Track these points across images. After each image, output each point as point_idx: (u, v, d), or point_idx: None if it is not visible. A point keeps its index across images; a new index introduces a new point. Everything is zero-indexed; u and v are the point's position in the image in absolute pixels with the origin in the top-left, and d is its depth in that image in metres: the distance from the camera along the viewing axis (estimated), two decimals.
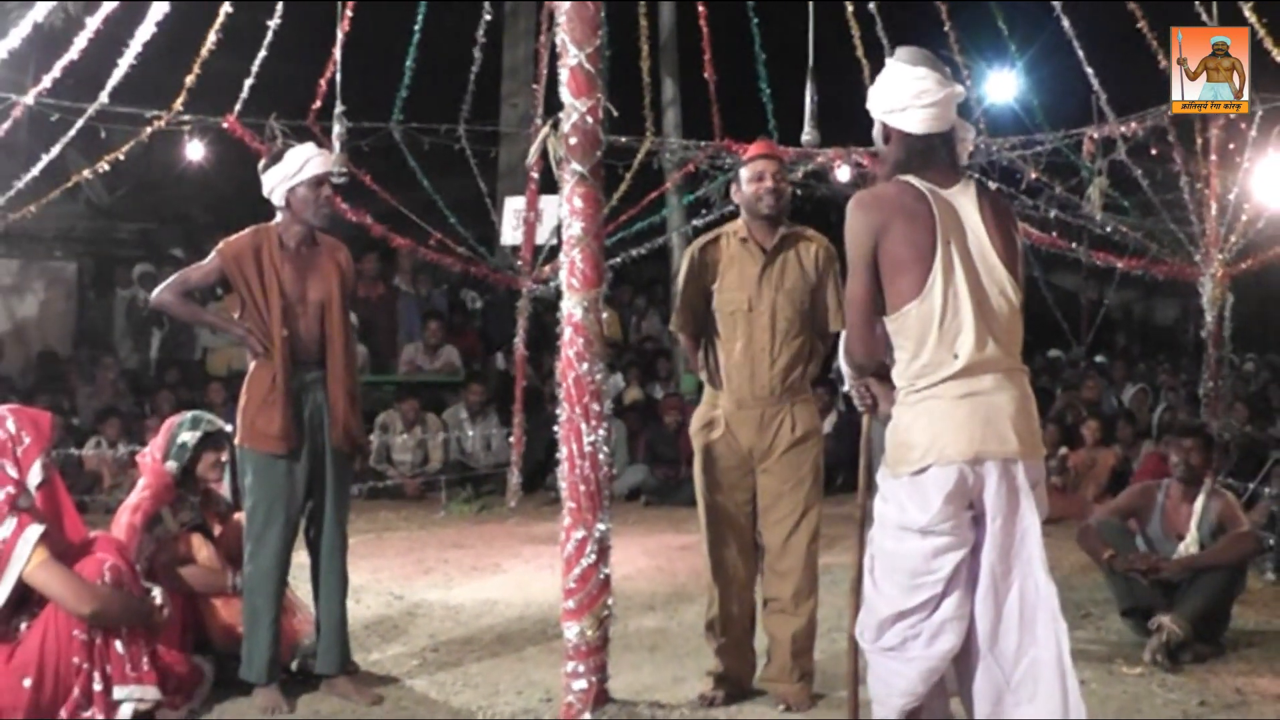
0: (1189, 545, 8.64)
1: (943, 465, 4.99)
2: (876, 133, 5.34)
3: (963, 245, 5.06)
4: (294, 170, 7.20)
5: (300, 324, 7.24)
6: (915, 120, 5.15)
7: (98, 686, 6.53)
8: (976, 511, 5.08)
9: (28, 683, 6.51)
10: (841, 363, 5.49)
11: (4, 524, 6.51)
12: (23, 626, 6.65)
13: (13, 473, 6.67)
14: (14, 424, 6.79)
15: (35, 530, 6.55)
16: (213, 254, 7.30)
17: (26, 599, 6.67)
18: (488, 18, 14.35)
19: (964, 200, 5.14)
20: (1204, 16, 11.35)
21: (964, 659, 5.19)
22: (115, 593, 6.68)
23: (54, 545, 6.66)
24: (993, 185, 12.21)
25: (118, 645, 6.60)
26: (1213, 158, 12.75)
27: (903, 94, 5.15)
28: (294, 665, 7.58)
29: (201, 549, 7.65)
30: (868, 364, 5.26)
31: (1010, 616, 5.07)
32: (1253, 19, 10.27)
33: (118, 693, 6.55)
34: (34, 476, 6.73)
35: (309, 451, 7.23)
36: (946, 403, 5.02)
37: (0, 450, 6.70)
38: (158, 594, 7.01)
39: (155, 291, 7.51)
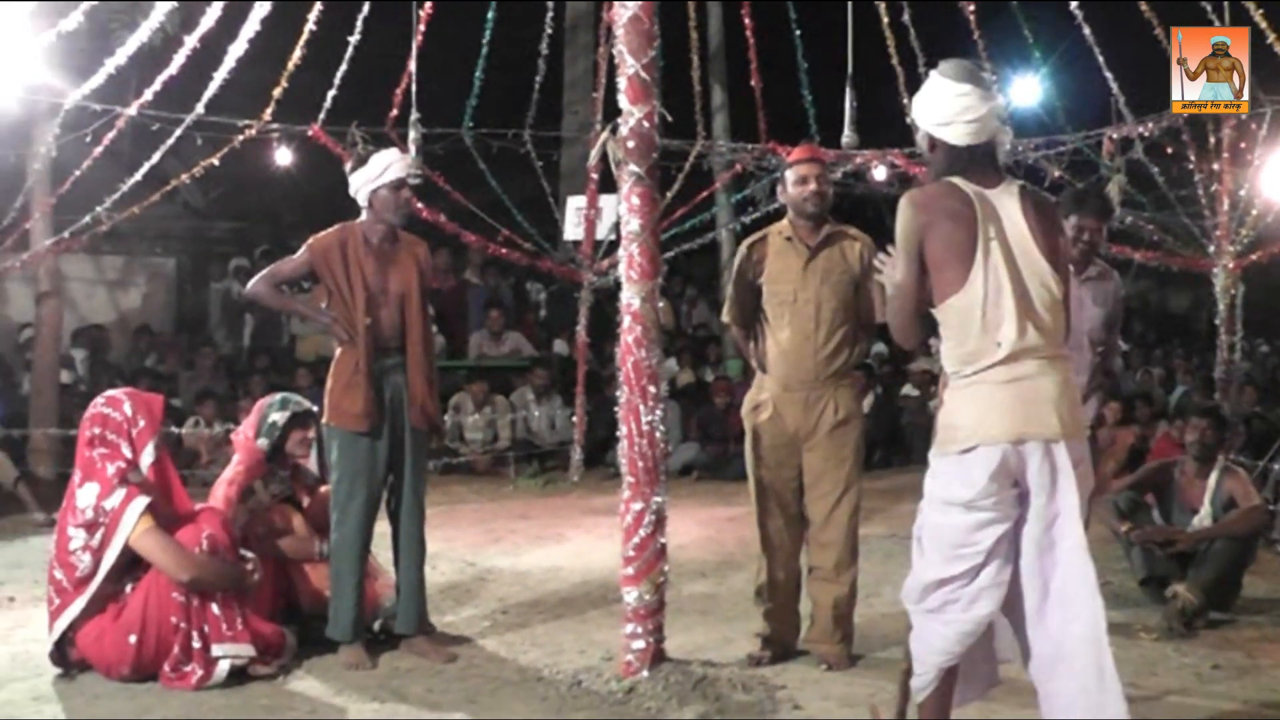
0: (1203, 518, 8.59)
1: (988, 446, 5.00)
2: (921, 140, 5.32)
3: (1004, 242, 5.04)
4: (376, 174, 7.24)
5: (382, 313, 7.28)
6: (959, 134, 5.11)
7: (196, 644, 6.61)
8: (1021, 489, 5.08)
9: (133, 639, 6.61)
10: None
11: (115, 494, 6.63)
12: (128, 589, 6.73)
13: (127, 452, 6.78)
14: (130, 407, 6.90)
15: (142, 501, 6.65)
16: (302, 249, 7.36)
17: (134, 564, 6.76)
18: (550, 32, 14.38)
19: (1006, 199, 5.11)
20: (1216, 22, 11.26)
21: (1019, 628, 5.21)
22: (210, 560, 6.76)
23: (159, 516, 6.74)
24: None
25: (214, 607, 6.67)
26: (1224, 156, 12.68)
27: (947, 110, 5.12)
28: (376, 625, 7.61)
29: (291, 519, 7.71)
30: (910, 346, 5.26)
31: (1052, 591, 5.06)
32: (1264, 24, 10.11)
33: (215, 650, 6.62)
34: (147, 456, 6.84)
35: (389, 430, 7.27)
36: (991, 387, 5.01)
37: (117, 430, 6.81)
38: (252, 561, 7.06)
39: (249, 283, 7.58)
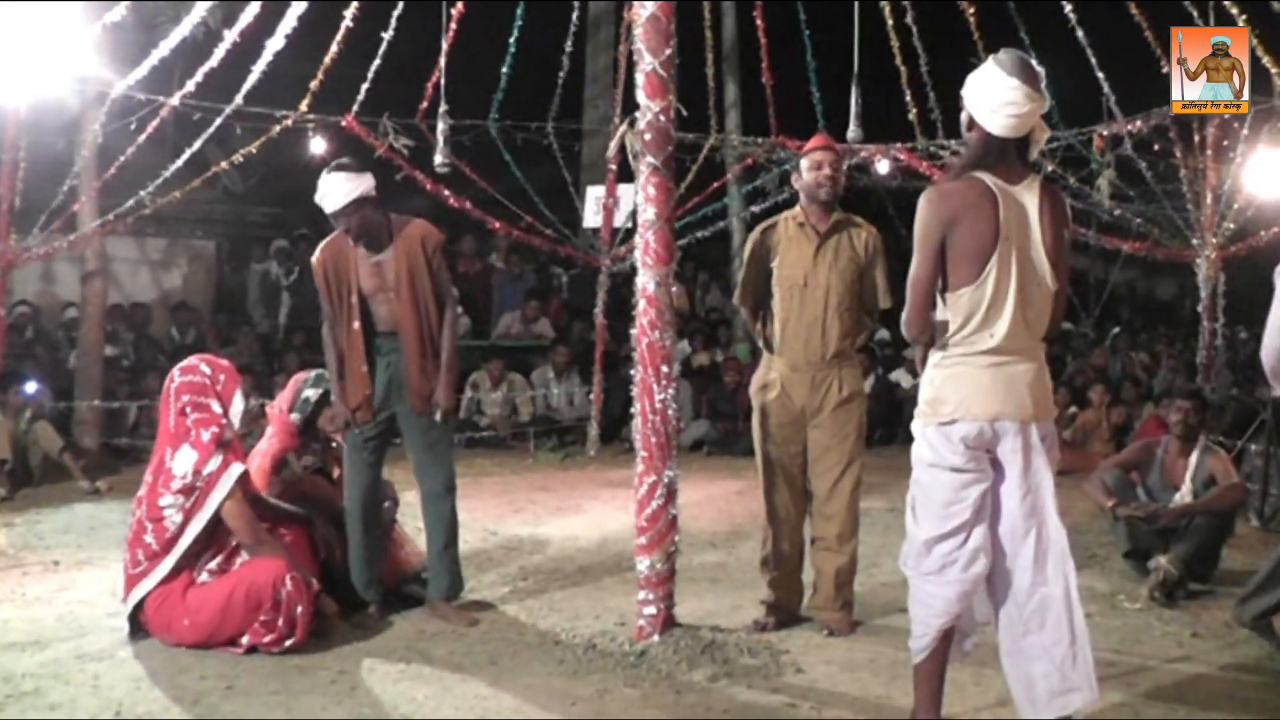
0: (1184, 495, 8.61)
1: (967, 421, 5.08)
2: (963, 118, 5.25)
3: (1022, 242, 5.04)
4: (325, 208, 7.20)
5: (382, 309, 7.28)
6: (998, 124, 5.06)
7: (244, 640, 6.63)
8: (993, 456, 5.18)
9: (186, 622, 6.62)
10: None
11: (213, 460, 6.68)
12: (204, 576, 6.78)
13: (218, 408, 6.86)
14: (208, 367, 6.98)
15: (237, 469, 6.72)
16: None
17: (214, 535, 6.80)
18: (573, 30, 14.38)
19: (1028, 197, 5.10)
20: (1200, 23, 11.21)
21: (991, 591, 5.26)
22: (279, 547, 6.89)
23: (247, 486, 6.86)
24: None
25: (288, 642, 6.62)
26: (1208, 153, 12.69)
27: (993, 99, 5.05)
28: (403, 590, 7.62)
29: (322, 489, 7.72)
30: (922, 338, 5.24)
31: (1024, 557, 5.15)
32: (1247, 32, 9.99)
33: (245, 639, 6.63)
34: (237, 406, 6.92)
35: (388, 413, 7.35)
36: (975, 369, 5.09)
37: (203, 392, 6.85)
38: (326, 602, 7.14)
39: (325, 330, 7.49)
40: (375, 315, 7.30)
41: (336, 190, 7.10)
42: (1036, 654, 5.13)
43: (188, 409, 6.82)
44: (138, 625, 6.85)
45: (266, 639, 6.57)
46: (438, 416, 7.34)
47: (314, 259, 7.38)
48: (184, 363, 7.10)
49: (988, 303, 5.02)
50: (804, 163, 7.24)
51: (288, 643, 6.59)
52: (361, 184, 7.13)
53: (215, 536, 6.82)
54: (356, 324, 7.24)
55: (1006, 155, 5.14)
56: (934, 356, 5.24)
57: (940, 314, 5.17)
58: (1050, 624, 5.10)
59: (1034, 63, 5.14)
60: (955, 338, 5.11)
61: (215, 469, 6.67)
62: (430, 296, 7.30)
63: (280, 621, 6.58)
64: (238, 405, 6.92)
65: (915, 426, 5.33)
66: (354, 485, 7.37)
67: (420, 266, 7.27)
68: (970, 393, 5.08)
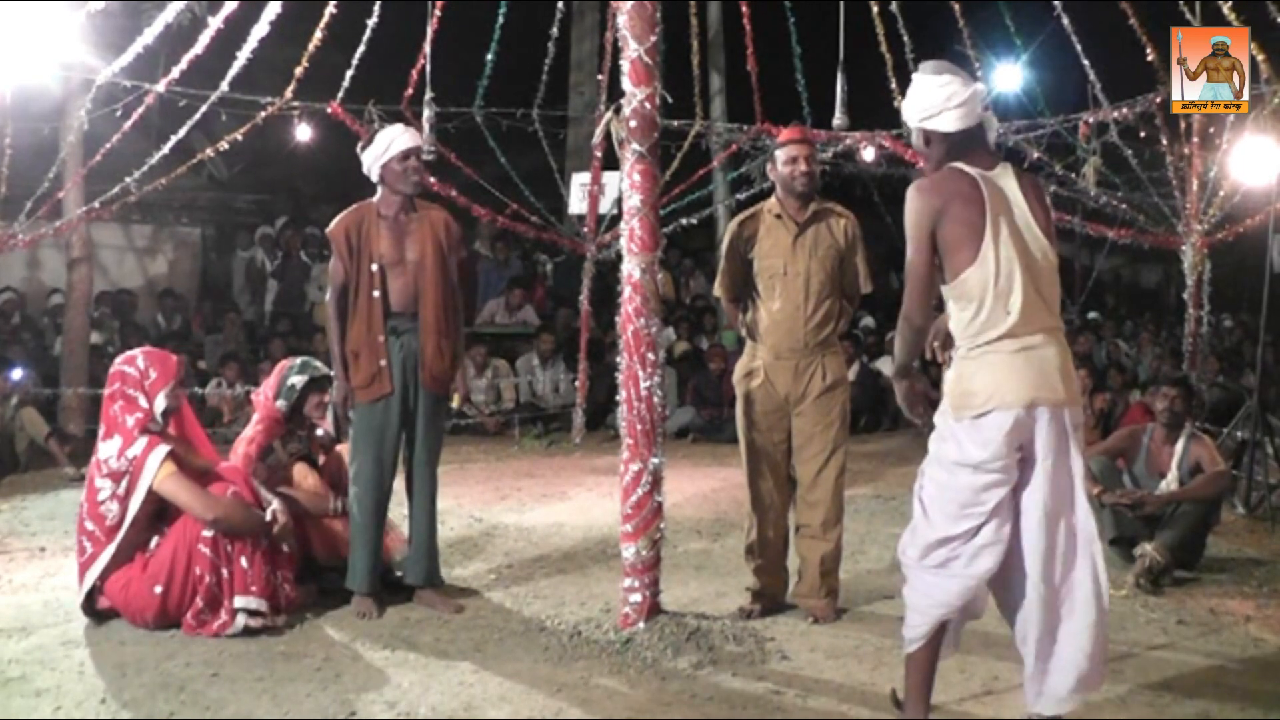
0: (1170, 482, 8.63)
1: (1003, 410, 5.03)
2: (917, 140, 5.34)
3: (1010, 218, 5.08)
4: (383, 149, 7.23)
5: (397, 283, 7.25)
6: (950, 120, 5.17)
7: (219, 596, 6.63)
8: (1025, 454, 5.12)
9: (158, 590, 6.65)
10: None
11: (136, 444, 6.71)
12: (155, 541, 6.76)
13: (144, 403, 6.85)
14: (143, 361, 6.97)
15: (163, 449, 6.71)
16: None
17: (161, 517, 6.81)
18: (559, 16, 14.35)
19: (1006, 180, 5.17)
20: (1188, 15, 11.23)
21: (1018, 585, 5.21)
22: (235, 503, 6.84)
23: (182, 463, 6.77)
24: None
25: (242, 561, 6.69)
26: (1194, 140, 12.68)
27: (934, 100, 5.18)
28: (389, 578, 7.60)
29: (307, 476, 7.71)
30: (925, 326, 5.24)
31: (1060, 546, 5.13)
32: (1247, 32, 9.94)
33: (237, 601, 6.63)
34: (159, 405, 6.85)
35: (401, 391, 7.26)
36: (1005, 356, 5.05)
37: (134, 385, 6.88)
38: (276, 507, 7.06)
39: (329, 302, 7.50)
40: (390, 291, 7.28)
41: (410, 132, 7.44)
42: (1061, 641, 5.13)
43: (115, 397, 6.89)
44: (94, 612, 6.90)
45: (222, 573, 6.66)
46: (454, 402, 7.51)
47: (333, 227, 7.33)
48: (126, 354, 7.16)
49: (994, 279, 5.02)
50: (779, 155, 7.24)
51: (242, 561, 6.70)
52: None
53: (159, 520, 6.86)
54: (377, 293, 7.22)
55: (973, 145, 5.22)
56: (958, 350, 5.22)
57: (953, 307, 5.19)
58: (1079, 612, 5.10)
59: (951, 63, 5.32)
60: (975, 324, 5.10)
61: (139, 452, 6.68)
62: (449, 278, 7.45)
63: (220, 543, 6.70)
64: (159, 403, 6.89)
65: (940, 420, 5.27)
66: (369, 474, 7.28)
67: (443, 246, 7.40)
68: (1002, 379, 5.05)
